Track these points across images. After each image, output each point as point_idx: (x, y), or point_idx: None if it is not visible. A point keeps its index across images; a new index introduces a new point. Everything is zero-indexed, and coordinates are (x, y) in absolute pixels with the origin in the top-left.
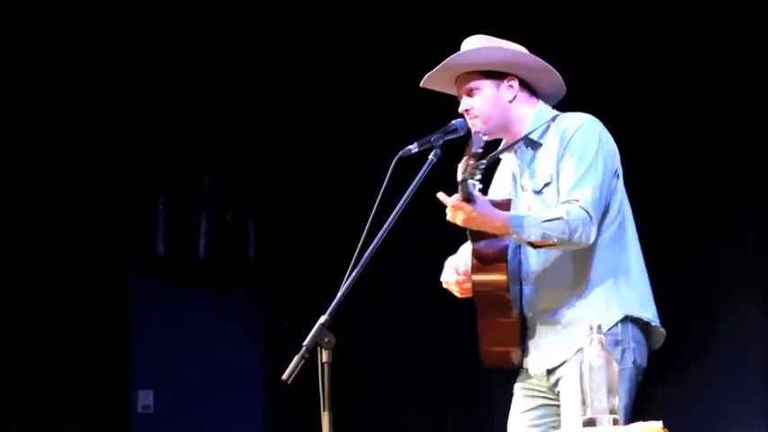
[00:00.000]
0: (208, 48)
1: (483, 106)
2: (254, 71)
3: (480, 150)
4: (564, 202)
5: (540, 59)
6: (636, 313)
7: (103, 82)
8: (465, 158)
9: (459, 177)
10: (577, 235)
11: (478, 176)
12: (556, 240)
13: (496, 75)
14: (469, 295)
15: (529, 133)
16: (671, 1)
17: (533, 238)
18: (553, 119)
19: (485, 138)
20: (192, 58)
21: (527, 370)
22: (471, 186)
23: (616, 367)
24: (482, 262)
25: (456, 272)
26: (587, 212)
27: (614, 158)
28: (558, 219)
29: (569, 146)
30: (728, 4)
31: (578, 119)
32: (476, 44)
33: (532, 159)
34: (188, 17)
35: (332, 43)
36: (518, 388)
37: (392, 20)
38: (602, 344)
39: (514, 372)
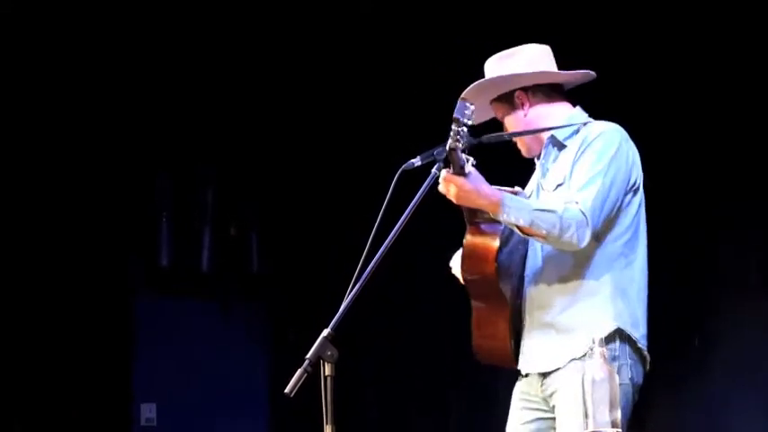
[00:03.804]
0: (211, 59)
1: (511, 130)
2: (258, 85)
3: (463, 118)
4: (565, 201)
5: (532, 70)
6: (627, 329)
7: (108, 91)
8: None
9: (448, 147)
10: (568, 234)
11: (461, 146)
12: (545, 232)
13: (505, 97)
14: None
15: (554, 129)
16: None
17: (522, 223)
18: (582, 124)
19: (471, 106)
20: (195, 69)
21: (524, 375)
22: (463, 159)
23: (618, 380)
24: (473, 250)
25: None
26: (584, 215)
27: (630, 171)
28: (550, 211)
29: (587, 150)
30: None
31: (602, 125)
32: (488, 70)
33: (554, 160)
34: (190, 27)
35: (336, 48)
36: (517, 398)
37: (393, 21)
38: (604, 357)
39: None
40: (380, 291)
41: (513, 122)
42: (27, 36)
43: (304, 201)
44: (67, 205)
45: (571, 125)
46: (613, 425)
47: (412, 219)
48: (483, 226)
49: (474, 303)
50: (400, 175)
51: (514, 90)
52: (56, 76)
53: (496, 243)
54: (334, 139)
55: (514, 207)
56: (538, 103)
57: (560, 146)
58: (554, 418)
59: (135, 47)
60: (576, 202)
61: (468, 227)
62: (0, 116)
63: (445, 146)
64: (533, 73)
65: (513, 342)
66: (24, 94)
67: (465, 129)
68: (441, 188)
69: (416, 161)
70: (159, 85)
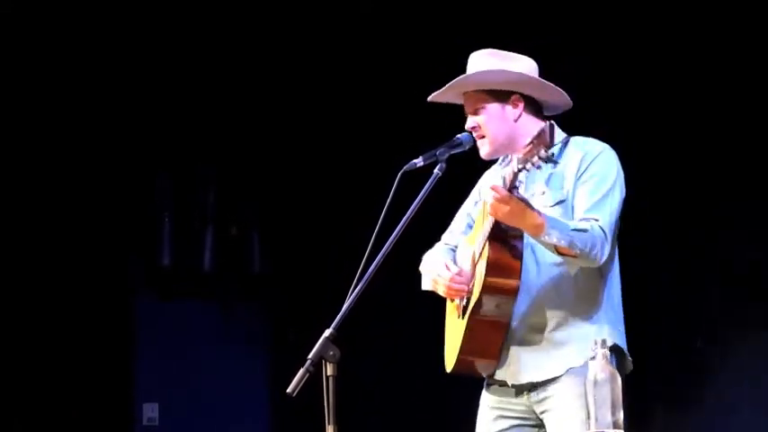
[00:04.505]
0: (211, 59)
1: (489, 126)
2: (258, 85)
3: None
4: (582, 220)
5: (543, 80)
6: (621, 344)
7: (108, 91)
8: (531, 147)
9: (518, 166)
10: (594, 252)
11: (539, 167)
12: (578, 251)
13: (501, 94)
14: (454, 296)
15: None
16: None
17: (562, 244)
18: (566, 140)
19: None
20: (195, 69)
21: (500, 384)
22: (520, 180)
23: (620, 382)
24: (500, 263)
25: (447, 268)
26: (604, 232)
27: (624, 191)
28: (583, 230)
29: (590, 168)
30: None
31: (600, 144)
32: (481, 61)
33: (544, 174)
34: (190, 27)
35: (336, 48)
36: (487, 406)
37: (393, 21)
38: (606, 358)
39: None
40: (382, 291)
41: (495, 116)
42: (27, 36)
43: (304, 201)
44: (68, 205)
45: (559, 143)
46: (615, 425)
47: (414, 219)
48: (511, 242)
49: (472, 315)
50: (402, 175)
51: (512, 91)
52: (56, 76)
53: (521, 259)
54: (334, 139)
55: (557, 229)
56: (529, 114)
57: (551, 162)
58: (535, 426)
59: (135, 47)
60: (596, 220)
61: (490, 241)
62: (0, 116)
63: (448, 148)
64: (545, 83)
65: (498, 354)
66: (24, 94)
67: (548, 154)
68: (490, 200)
69: (418, 162)
70: (159, 85)
